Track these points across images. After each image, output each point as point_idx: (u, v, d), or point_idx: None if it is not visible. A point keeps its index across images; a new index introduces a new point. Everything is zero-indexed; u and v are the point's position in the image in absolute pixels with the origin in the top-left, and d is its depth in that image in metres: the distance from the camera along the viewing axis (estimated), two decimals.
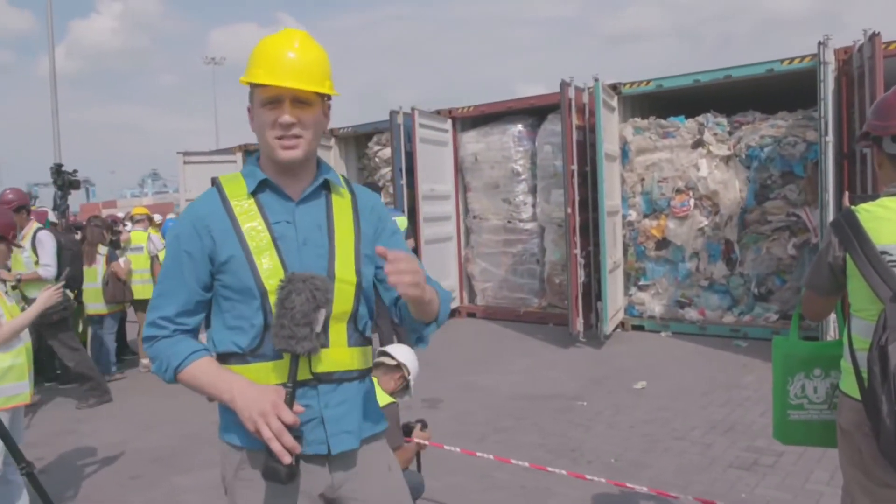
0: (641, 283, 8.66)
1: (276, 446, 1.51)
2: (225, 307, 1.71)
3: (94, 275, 7.19)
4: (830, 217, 6.33)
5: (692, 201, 8.11)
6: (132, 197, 54.03)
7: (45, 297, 3.45)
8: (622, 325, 8.44)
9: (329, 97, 1.74)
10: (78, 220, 9.10)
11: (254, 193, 1.71)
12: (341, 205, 1.77)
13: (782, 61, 7.34)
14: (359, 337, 1.76)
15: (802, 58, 7.18)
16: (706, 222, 8.08)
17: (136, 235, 8.03)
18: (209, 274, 1.70)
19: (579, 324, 7.78)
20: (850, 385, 2.10)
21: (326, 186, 1.78)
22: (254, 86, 1.67)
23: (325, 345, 1.65)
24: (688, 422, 5.12)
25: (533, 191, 9.56)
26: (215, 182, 1.78)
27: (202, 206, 1.74)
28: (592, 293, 8.14)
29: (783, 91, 8.19)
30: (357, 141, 11.96)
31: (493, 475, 4.26)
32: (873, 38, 5.93)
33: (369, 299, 1.81)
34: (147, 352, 1.77)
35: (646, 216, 8.50)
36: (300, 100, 1.64)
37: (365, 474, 1.77)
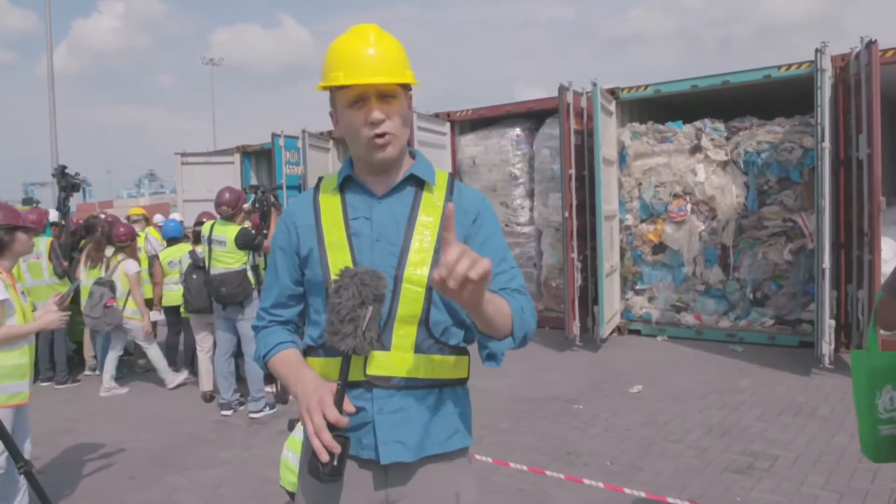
0: (638, 287, 8.69)
1: (315, 442, 1.45)
2: (309, 301, 1.73)
3: (99, 274, 7.18)
4: (827, 223, 6.37)
5: (689, 206, 8.15)
6: (128, 197, 53.97)
7: (46, 320, 3.43)
8: (619, 329, 8.46)
9: (410, 87, 1.68)
10: (75, 220, 9.06)
11: (341, 190, 1.70)
12: (430, 202, 1.68)
13: (780, 67, 7.38)
14: (433, 344, 1.63)
15: (800, 64, 7.22)
16: (703, 227, 8.11)
17: None
18: (298, 268, 1.72)
19: (576, 327, 7.80)
20: None
21: (417, 182, 1.70)
22: (334, 89, 1.62)
23: (384, 347, 1.59)
24: (684, 425, 5.14)
25: (531, 194, 9.59)
26: (319, 179, 1.79)
27: (296, 203, 1.77)
28: (589, 297, 8.16)
29: (780, 97, 8.23)
30: None
31: (490, 478, 4.27)
32: (870, 45, 5.96)
33: (452, 306, 1.65)
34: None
35: (643, 220, 8.53)
36: (385, 94, 1.59)
37: (425, 495, 1.65)
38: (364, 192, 1.69)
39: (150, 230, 9.00)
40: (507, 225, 9.72)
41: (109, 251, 7.12)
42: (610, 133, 8.15)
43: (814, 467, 4.25)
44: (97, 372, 7.56)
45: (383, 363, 1.60)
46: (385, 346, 1.59)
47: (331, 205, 1.69)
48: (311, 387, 1.54)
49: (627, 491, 3.91)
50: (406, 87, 1.65)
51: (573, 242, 7.77)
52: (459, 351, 1.69)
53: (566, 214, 7.77)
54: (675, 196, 8.23)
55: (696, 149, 8.14)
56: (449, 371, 1.66)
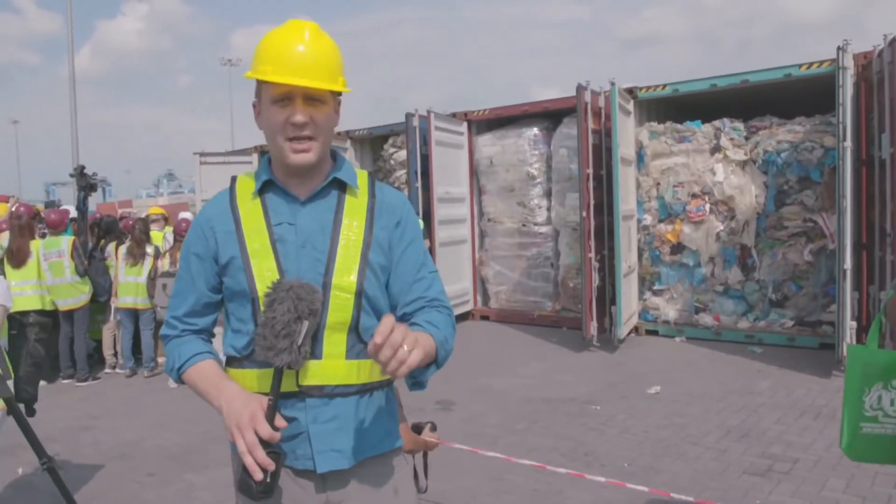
0: (656, 287, 8.63)
1: (248, 460, 1.42)
2: (230, 309, 1.67)
3: (140, 270, 7.36)
4: (849, 224, 6.29)
5: (708, 206, 8.08)
6: (147, 197, 54.39)
7: None
8: (636, 329, 8.42)
9: (340, 94, 1.62)
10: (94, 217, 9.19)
11: (260, 193, 1.65)
12: (354, 206, 1.65)
13: (800, 66, 7.29)
14: (363, 349, 1.59)
15: (821, 63, 7.13)
16: (722, 227, 8.04)
17: (153, 235, 8.11)
18: (216, 275, 1.66)
19: (593, 328, 7.76)
20: None
21: (340, 185, 1.66)
22: (261, 81, 1.57)
23: (316, 356, 1.56)
24: (702, 427, 5.10)
25: (548, 194, 9.56)
26: (232, 180, 1.73)
27: (211, 207, 1.70)
28: (607, 297, 8.12)
29: (801, 96, 8.14)
30: (372, 143, 12.00)
31: (504, 477, 4.26)
32: (893, 43, 5.88)
33: (380, 310, 1.65)
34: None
35: (661, 221, 8.48)
36: (312, 97, 1.54)
37: (364, 497, 1.65)
38: (286, 196, 1.63)
39: (168, 229, 9.08)
40: (523, 225, 9.70)
41: (150, 248, 7.47)
42: (628, 133, 8.11)
43: (834, 470, 4.19)
44: (116, 370, 7.66)
45: (316, 372, 1.56)
46: (316, 355, 1.56)
47: (251, 209, 1.63)
48: (238, 402, 1.50)
49: (643, 489, 3.88)
50: (336, 93, 1.61)
51: (591, 242, 7.73)
52: None
53: (584, 214, 7.73)
54: (694, 196, 8.16)
55: (715, 148, 8.08)
56: (378, 373, 1.58)
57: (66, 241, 7.20)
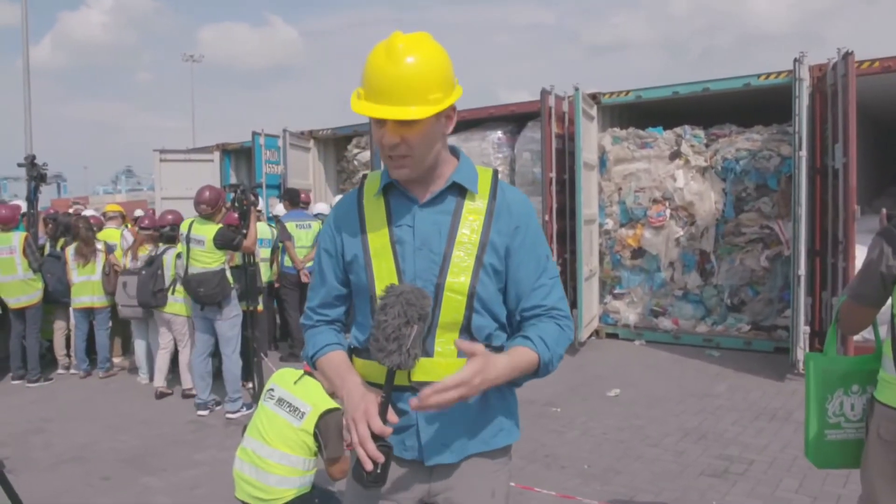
0: (617, 291, 8.74)
1: (360, 452, 1.49)
2: (355, 304, 1.76)
3: (93, 268, 7.15)
4: (803, 231, 6.45)
5: (668, 211, 8.21)
6: (105, 194, 53.28)
7: None
8: (597, 332, 8.50)
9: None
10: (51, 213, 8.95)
11: (385, 193, 1.69)
12: (471, 209, 1.67)
13: (759, 76, 7.46)
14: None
15: (778, 73, 7.31)
16: (681, 233, 8.18)
17: (110, 233, 7.92)
18: (343, 271, 1.75)
19: None
20: (891, 396, 2.11)
21: (460, 189, 1.68)
22: None
23: (428, 354, 1.61)
24: (661, 429, 5.18)
25: None
26: (362, 178, 1.78)
27: (341, 205, 1.78)
28: (568, 301, 8.17)
29: (759, 105, 8.33)
30: (336, 143, 11.92)
31: None
32: (847, 56, 6.05)
33: (494, 311, 1.69)
34: None
35: (622, 225, 8.59)
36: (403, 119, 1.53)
37: (463, 493, 1.71)
38: (406, 198, 1.68)
39: (127, 227, 8.88)
40: None
41: (99, 244, 7.27)
42: (591, 137, 8.19)
43: (788, 471, 4.29)
44: (70, 370, 7.46)
45: (428, 370, 1.62)
46: (429, 353, 1.62)
47: (375, 210, 1.69)
48: (356, 396, 1.57)
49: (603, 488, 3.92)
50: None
51: (553, 246, 7.78)
52: (496, 351, 1.68)
53: (546, 218, 7.79)
54: (655, 201, 8.29)
55: (675, 155, 8.21)
56: None
57: (17, 238, 7.00)
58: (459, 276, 1.62)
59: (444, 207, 1.66)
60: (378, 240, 1.66)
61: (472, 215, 1.66)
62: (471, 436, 1.69)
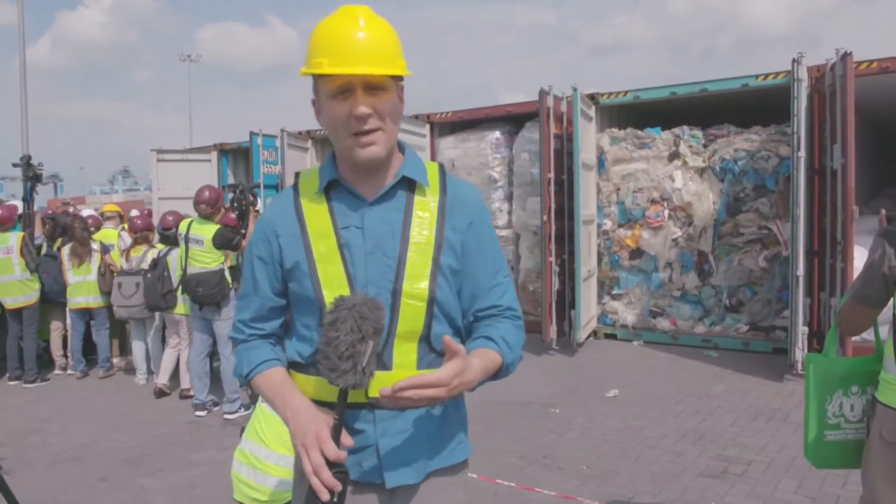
0: (615, 292, 8.74)
1: (314, 481, 1.36)
2: (295, 315, 1.60)
3: (88, 268, 7.14)
4: (802, 231, 6.46)
5: (666, 212, 8.21)
6: (101, 194, 53.14)
7: None
8: (595, 333, 8.50)
9: (402, 78, 1.53)
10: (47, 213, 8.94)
11: (326, 192, 1.56)
12: (424, 206, 1.54)
13: (757, 77, 7.47)
14: (434, 358, 1.53)
15: (777, 74, 7.32)
16: (680, 233, 8.18)
17: (108, 233, 7.91)
18: (281, 280, 1.59)
19: (553, 331, 7.82)
20: (893, 397, 2.11)
21: (408, 183, 1.56)
22: (318, 76, 1.47)
23: (385, 366, 1.48)
24: (659, 430, 5.17)
25: (509, 198, 9.59)
26: (296, 177, 1.63)
27: (274, 208, 1.63)
28: (566, 301, 8.19)
29: (757, 106, 8.33)
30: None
31: None
32: (845, 57, 6.06)
33: (452, 316, 1.58)
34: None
35: (620, 226, 8.59)
36: (373, 86, 1.44)
37: None
38: (352, 196, 1.54)
39: (123, 227, 8.86)
40: None
41: (94, 244, 7.28)
42: (589, 138, 8.19)
43: (786, 472, 4.29)
44: (67, 371, 7.45)
45: (385, 384, 1.43)
46: (386, 366, 1.49)
47: (316, 211, 1.55)
48: (304, 419, 1.44)
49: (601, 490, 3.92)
50: (397, 78, 1.51)
51: (551, 246, 7.79)
52: None
53: (544, 218, 7.79)
54: (653, 202, 8.29)
55: (674, 155, 8.21)
56: None
57: (14, 238, 6.99)
58: (418, 282, 1.50)
59: (395, 205, 1.54)
60: (323, 243, 1.52)
61: (425, 211, 1.54)
62: (432, 452, 1.57)
